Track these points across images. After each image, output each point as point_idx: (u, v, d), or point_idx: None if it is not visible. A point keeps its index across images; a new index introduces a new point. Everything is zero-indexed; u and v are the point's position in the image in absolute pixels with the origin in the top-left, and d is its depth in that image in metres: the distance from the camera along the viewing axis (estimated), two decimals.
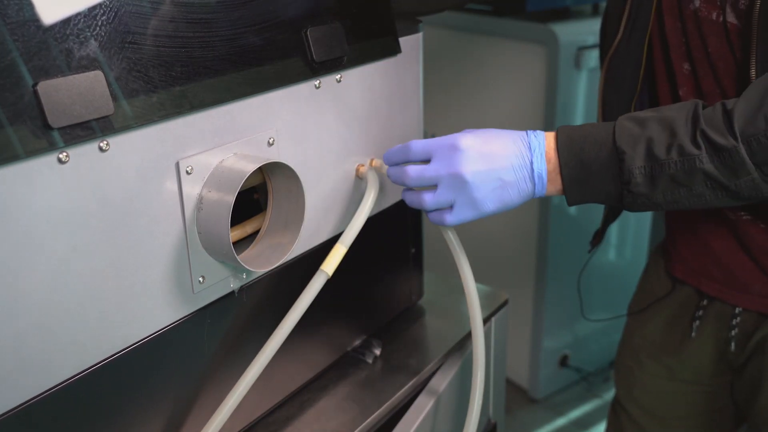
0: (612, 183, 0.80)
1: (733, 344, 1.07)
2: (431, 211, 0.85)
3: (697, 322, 1.10)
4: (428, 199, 0.83)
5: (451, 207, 0.83)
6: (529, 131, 0.83)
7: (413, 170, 0.83)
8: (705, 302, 1.09)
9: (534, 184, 0.82)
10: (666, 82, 1.02)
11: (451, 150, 0.80)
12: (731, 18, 0.89)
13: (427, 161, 0.83)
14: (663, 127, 0.79)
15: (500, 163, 0.81)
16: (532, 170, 0.81)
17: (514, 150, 0.81)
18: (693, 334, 1.11)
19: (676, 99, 1.01)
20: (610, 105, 1.06)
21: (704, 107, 0.80)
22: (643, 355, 1.18)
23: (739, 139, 0.75)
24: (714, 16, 0.91)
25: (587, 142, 0.81)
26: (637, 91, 1.03)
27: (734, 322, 1.05)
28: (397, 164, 0.86)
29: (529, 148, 0.82)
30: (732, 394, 1.14)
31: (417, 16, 1.05)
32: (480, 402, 0.92)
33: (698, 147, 0.77)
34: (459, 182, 0.80)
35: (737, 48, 0.90)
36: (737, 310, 1.05)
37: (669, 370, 1.16)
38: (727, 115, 0.77)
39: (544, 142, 0.82)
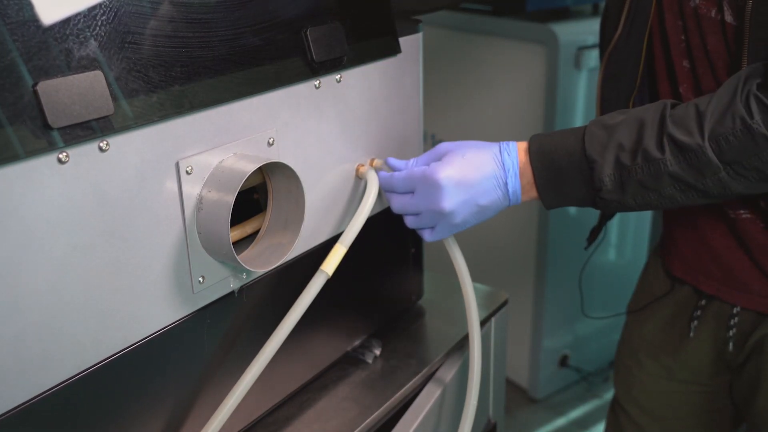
0: (584, 189, 0.84)
1: (731, 344, 1.07)
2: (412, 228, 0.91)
3: (696, 322, 1.10)
4: (410, 221, 0.90)
5: (432, 228, 0.89)
6: (501, 145, 0.87)
7: (397, 201, 0.89)
8: (703, 302, 1.09)
9: (509, 200, 0.87)
10: (666, 80, 1.02)
11: (431, 187, 0.85)
12: (728, 16, 0.89)
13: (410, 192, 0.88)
14: (630, 132, 0.82)
15: (477, 190, 0.85)
16: (507, 189, 0.86)
17: (489, 172, 0.86)
18: (691, 334, 1.11)
19: (676, 96, 1.01)
20: (609, 101, 1.06)
21: (674, 106, 0.82)
22: (642, 354, 1.18)
23: (706, 139, 0.78)
24: (713, 13, 0.92)
25: (558, 152, 0.84)
26: (636, 87, 1.04)
27: (732, 322, 1.05)
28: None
29: (503, 167, 0.86)
30: (731, 394, 1.14)
31: (414, 15, 1.05)
32: (475, 402, 0.92)
33: (662, 151, 0.80)
34: (439, 214, 0.86)
35: (733, 45, 0.90)
36: (735, 310, 1.05)
37: (668, 370, 1.16)
38: (699, 115, 0.79)
39: (517, 158, 0.86)
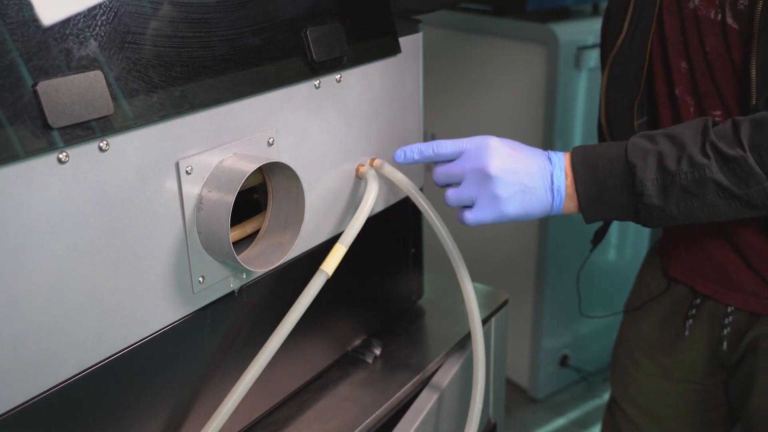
0: (626, 196, 0.82)
1: (725, 343, 1.07)
2: (453, 206, 0.87)
3: (690, 321, 1.10)
4: (449, 194, 0.85)
5: (472, 205, 0.84)
6: (550, 150, 0.86)
7: (440, 169, 0.86)
8: (698, 301, 1.09)
9: (553, 198, 0.84)
10: (663, 81, 1.02)
11: (480, 146, 0.83)
12: (730, 19, 0.89)
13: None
14: (673, 141, 0.81)
15: (524, 167, 0.83)
16: (552, 182, 0.83)
17: (537, 160, 0.84)
18: (686, 333, 1.11)
19: (672, 98, 1.01)
20: (614, 104, 1.06)
21: (715, 124, 0.82)
22: (638, 353, 1.19)
23: (747, 150, 0.77)
24: (712, 15, 0.92)
25: (601, 159, 0.83)
26: (640, 89, 1.03)
27: (727, 321, 1.06)
28: (418, 161, 0.88)
29: (550, 161, 0.84)
30: (726, 393, 1.14)
31: (414, 14, 1.05)
32: (481, 403, 0.92)
33: (707, 157, 0.79)
34: (483, 177, 0.82)
35: (735, 48, 0.90)
36: (729, 309, 1.05)
37: (663, 369, 1.16)
38: (736, 126, 0.79)
39: (563, 158, 0.85)
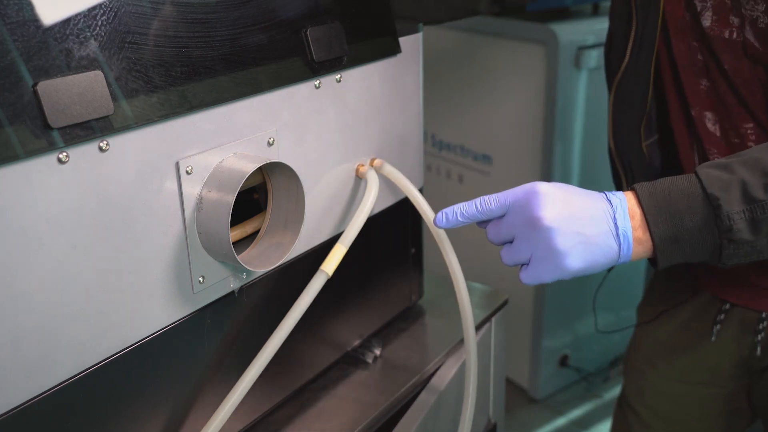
0: (709, 235, 0.73)
1: (759, 348, 1.06)
2: (510, 266, 0.78)
3: (718, 326, 1.09)
4: (505, 256, 0.76)
5: (528, 262, 0.75)
6: (605, 192, 0.77)
7: (489, 229, 0.77)
8: (727, 306, 1.07)
9: (619, 244, 0.74)
10: (677, 102, 1.02)
11: (528, 195, 0.73)
12: (751, 37, 0.87)
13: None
14: (751, 168, 0.74)
15: (582, 212, 0.73)
16: (616, 226, 0.73)
17: (596, 203, 0.74)
18: (713, 338, 1.10)
19: (688, 117, 1.00)
20: (621, 125, 1.05)
21: None
22: (656, 357, 1.17)
23: None
24: (726, 34, 0.90)
25: (673, 194, 0.74)
26: (646, 111, 1.03)
27: (761, 327, 1.04)
28: (462, 223, 0.79)
29: (610, 203, 0.74)
30: (748, 397, 1.13)
31: (437, 23, 1.05)
32: (473, 403, 0.92)
33: None
34: (536, 229, 0.73)
35: (759, 65, 0.89)
36: (764, 315, 1.04)
37: (682, 373, 1.14)
38: None
39: (625, 198, 0.75)
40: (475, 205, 0.76)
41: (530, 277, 0.76)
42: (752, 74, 0.91)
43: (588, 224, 0.73)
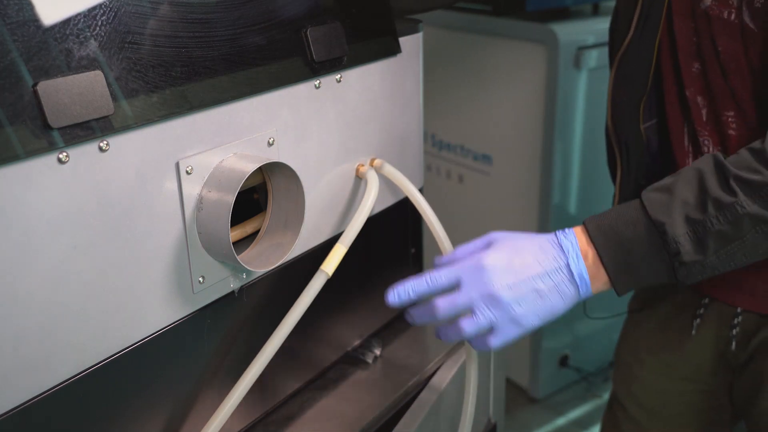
0: (659, 260, 0.76)
1: (733, 343, 1.06)
2: (472, 338, 0.80)
3: (698, 321, 1.10)
4: (467, 327, 0.78)
5: (491, 329, 0.78)
6: (557, 232, 0.79)
7: (442, 302, 0.78)
8: (707, 300, 1.09)
9: (577, 286, 0.77)
10: (673, 83, 1.02)
11: (478, 271, 0.76)
12: (747, 18, 0.88)
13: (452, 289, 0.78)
14: (690, 186, 0.76)
15: (533, 271, 0.76)
16: (571, 273, 0.77)
17: (546, 256, 0.77)
18: (693, 332, 1.11)
19: (683, 99, 1.01)
20: (620, 105, 1.05)
21: (721, 158, 0.77)
22: (643, 351, 1.18)
23: None
24: (725, 14, 0.91)
25: (619, 225, 0.77)
26: (646, 90, 1.03)
27: (736, 321, 1.05)
28: (414, 299, 0.80)
29: (562, 249, 0.78)
30: (731, 394, 1.14)
31: (408, 14, 1.05)
32: (473, 402, 0.92)
33: (734, 194, 0.74)
34: (495, 302, 0.76)
35: (752, 48, 0.89)
36: (739, 310, 1.05)
37: (667, 367, 1.16)
38: (757, 152, 0.75)
39: (575, 239, 0.78)
40: (426, 280, 0.79)
41: (499, 342, 0.79)
42: (745, 60, 0.91)
43: (543, 280, 0.76)
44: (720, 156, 0.77)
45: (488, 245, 0.80)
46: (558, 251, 0.77)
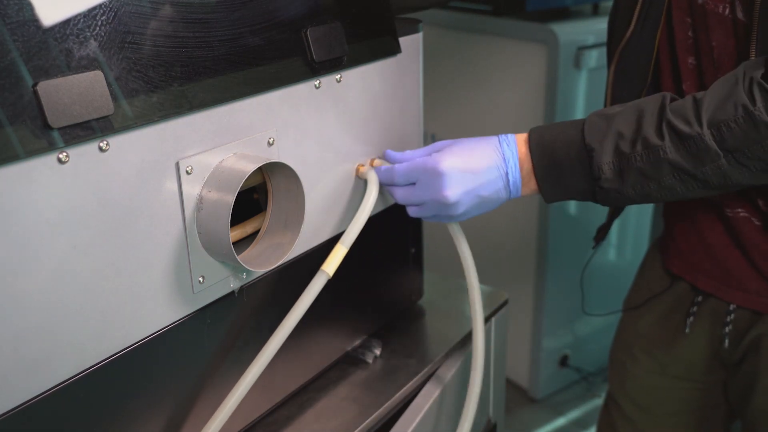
0: (583, 180, 0.83)
1: (726, 341, 1.07)
2: (410, 214, 0.91)
3: (691, 318, 1.10)
4: (412, 213, 0.90)
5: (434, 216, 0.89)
6: (501, 137, 0.87)
7: (400, 193, 0.89)
8: (700, 298, 1.09)
9: (509, 191, 0.87)
10: (670, 78, 1.02)
11: (434, 176, 0.85)
12: (740, 12, 0.89)
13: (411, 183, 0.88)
14: (629, 120, 0.82)
15: (479, 180, 0.85)
16: (508, 180, 0.86)
17: (491, 164, 0.85)
18: (687, 330, 1.11)
19: (680, 93, 1.01)
20: (620, 98, 1.05)
21: (673, 100, 0.82)
22: (637, 349, 1.18)
23: (705, 125, 0.77)
24: (720, 9, 0.91)
25: (558, 142, 0.84)
26: (646, 84, 1.03)
27: (728, 319, 1.05)
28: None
29: (503, 158, 0.86)
30: (725, 392, 1.14)
31: (402, 13, 1.05)
32: (477, 397, 0.93)
33: (662, 137, 0.79)
34: (443, 204, 0.86)
35: (743, 42, 0.89)
36: (731, 307, 1.05)
37: (661, 365, 1.16)
38: (697, 103, 0.79)
39: (516, 149, 0.86)
40: (391, 175, 0.89)
41: (422, 217, 0.91)
42: (736, 55, 0.91)
43: (485, 188, 0.86)
44: (668, 98, 0.82)
45: (440, 149, 0.88)
46: (501, 160, 0.86)
